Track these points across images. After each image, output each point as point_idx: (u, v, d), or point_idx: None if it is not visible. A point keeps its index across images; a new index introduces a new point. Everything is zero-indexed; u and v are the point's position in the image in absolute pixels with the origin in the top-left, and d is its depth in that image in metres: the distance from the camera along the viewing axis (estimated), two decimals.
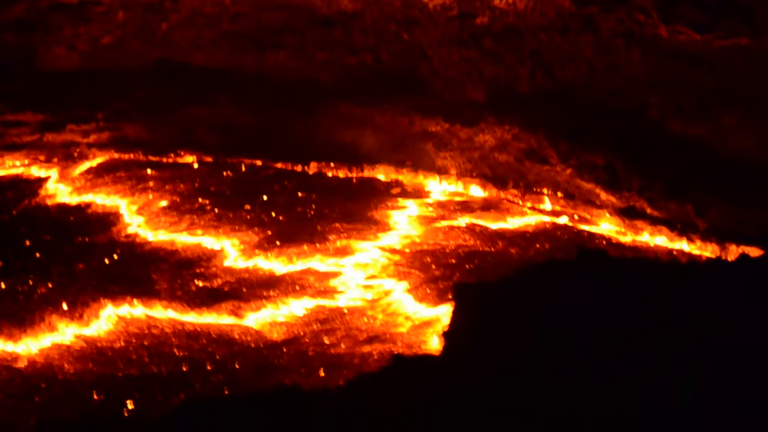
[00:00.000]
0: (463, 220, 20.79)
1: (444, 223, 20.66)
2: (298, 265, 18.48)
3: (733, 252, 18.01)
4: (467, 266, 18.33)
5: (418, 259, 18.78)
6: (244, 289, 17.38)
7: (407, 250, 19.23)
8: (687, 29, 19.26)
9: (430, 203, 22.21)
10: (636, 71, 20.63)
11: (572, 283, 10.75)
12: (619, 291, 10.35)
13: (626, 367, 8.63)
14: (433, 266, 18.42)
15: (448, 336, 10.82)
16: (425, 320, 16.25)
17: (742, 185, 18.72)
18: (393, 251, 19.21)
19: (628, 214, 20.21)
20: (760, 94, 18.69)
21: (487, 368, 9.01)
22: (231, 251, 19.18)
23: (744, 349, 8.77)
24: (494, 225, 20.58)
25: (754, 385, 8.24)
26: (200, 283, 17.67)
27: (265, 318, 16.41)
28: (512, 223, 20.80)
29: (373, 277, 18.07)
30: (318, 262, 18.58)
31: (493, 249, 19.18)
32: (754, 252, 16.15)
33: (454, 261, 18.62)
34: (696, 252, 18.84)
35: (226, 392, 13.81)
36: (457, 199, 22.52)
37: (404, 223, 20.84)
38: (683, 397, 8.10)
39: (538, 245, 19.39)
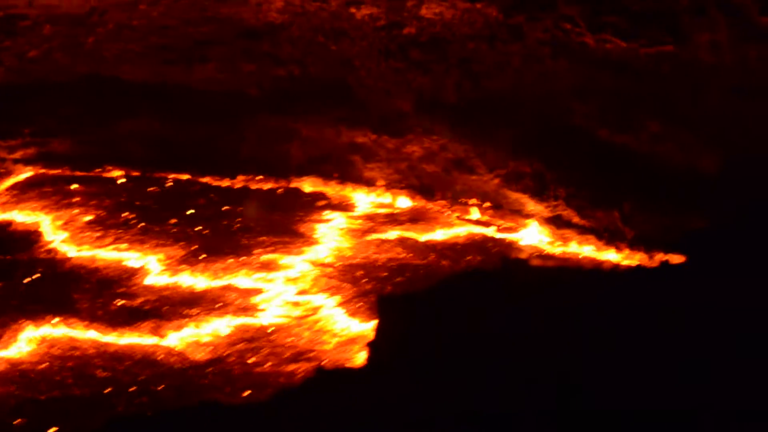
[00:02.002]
0: (393, 233, 20.28)
1: (374, 236, 20.15)
2: (223, 281, 17.91)
3: (658, 259, 17.57)
4: (398, 279, 17.94)
5: (349, 273, 18.31)
6: (166, 307, 16.78)
7: (338, 264, 18.75)
8: (613, 37, 18.85)
9: (358, 215, 21.60)
10: (563, 80, 20.19)
11: (496, 294, 10.60)
12: (546, 300, 10.16)
13: (553, 377, 8.46)
14: (364, 280, 17.97)
15: (372, 348, 10.67)
16: (354, 335, 15.82)
17: (667, 192, 18.46)
18: (323, 265, 18.69)
19: (556, 223, 19.85)
20: (685, 101, 18.39)
21: (411, 380, 8.80)
22: (155, 266, 18.54)
23: (669, 355, 8.76)
24: (424, 237, 20.09)
25: (679, 390, 8.19)
26: (121, 302, 17.03)
27: (189, 337, 15.79)
28: (442, 234, 20.31)
29: (303, 292, 17.51)
30: (243, 277, 18.02)
31: (424, 261, 18.78)
32: (677, 258, 15.57)
33: (385, 274, 18.21)
34: (623, 260, 18.50)
35: (150, 414, 12.96)
36: (385, 211, 21.92)
37: (332, 235, 20.27)
38: (608, 405, 7.96)
39: (469, 257, 19.02)
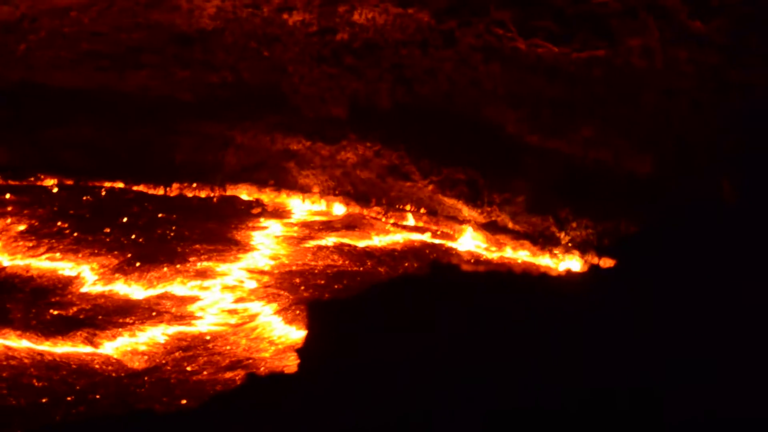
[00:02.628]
0: (330, 240, 20.05)
1: (312, 243, 19.89)
2: (158, 289, 17.48)
3: (591, 263, 17.67)
4: (336, 286, 17.63)
5: (286, 280, 17.96)
6: (101, 317, 16.21)
7: (276, 271, 18.41)
8: (545, 42, 18.75)
9: (294, 222, 21.42)
10: (496, 85, 20.11)
11: (429, 299, 10.24)
12: (479, 305, 9.89)
13: (484, 380, 8.30)
14: (302, 287, 17.62)
15: (301, 355, 10.31)
16: (292, 342, 15.36)
17: (601, 197, 18.39)
18: (261, 272, 18.34)
19: (490, 229, 19.74)
20: (617, 106, 18.37)
21: (341, 384, 8.71)
22: (89, 275, 18.00)
23: (598, 357, 8.63)
24: (362, 243, 19.87)
25: (606, 392, 8.06)
26: (56, 312, 16.41)
27: (125, 346, 15.28)
28: (379, 240, 20.11)
29: (240, 299, 17.13)
30: (179, 285, 17.62)
31: (361, 269, 18.52)
32: (609, 263, 15.48)
33: (323, 281, 17.89)
34: (558, 265, 18.49)
35: (87, 423, 12.32)
36: (321, 218, 21.78)
37: (268, 243, 19.98)
38: (539, 409, 7.82)
39: (407, 263, 18.82)
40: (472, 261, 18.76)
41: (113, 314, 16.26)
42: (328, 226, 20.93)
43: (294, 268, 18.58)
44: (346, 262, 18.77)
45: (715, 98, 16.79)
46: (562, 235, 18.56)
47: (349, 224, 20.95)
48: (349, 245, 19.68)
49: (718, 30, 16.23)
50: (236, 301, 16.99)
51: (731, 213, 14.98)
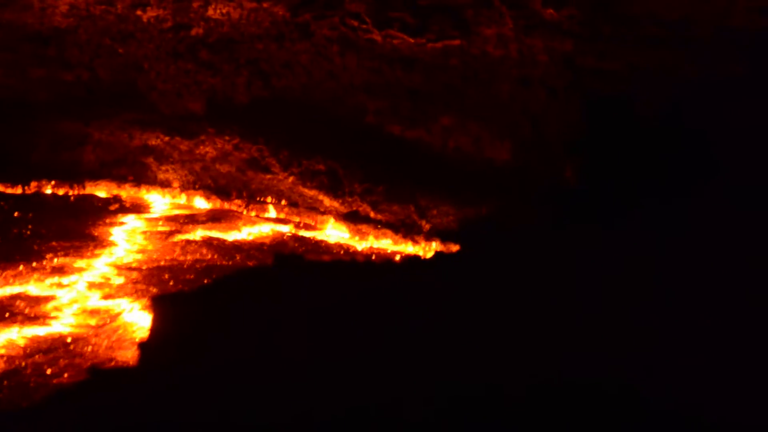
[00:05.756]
0: (198, 233, 18.93)
1: (180, 238, 18.76)
2: (15, 287, 15.90)
3: (453, 250, 17.02)
4: (206, 281, 16.36)
5: (155, 276, 16.73)
6: None
7: (144, 267, 17.20)
8: (400, 33, 18.04)
9: (157, 218, 20.19)
10: (352, 77, 19.44)
11: (288, 290, 10.09)
12: (339, 294, 9.68)
13: (331, 377, 7.92)
14: (171, 282, 16.38)
15: (144, 347, 9.85)
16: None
17: (461, 184, 17.86)
18: (129, 269, 17.04)
19: (352, 219, 18.95)
20: (475, 94, 17.91)
21: (183, 378, 8.23)
22: None
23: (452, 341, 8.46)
24: (230, 237, 18.81)
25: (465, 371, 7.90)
26: None
27: None
28: (248, 234, 19.07)
29: (106, 296, 15.70)
30: (35, 284, 16.09)
31: (230, 263, 17.44)
32: (470, 248, 14.99)
33: (192, 276, 16.67)
34: (420, 252, 17.79)
35: None
36: (183, 212, 20.62)
37: (131, 238, 18.74)
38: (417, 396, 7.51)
39: (274, 256, 17.37)
40: (342, 252, 17.90)
41: None
42: (193, 220, 19.92)
43: (163, 263, 17.46)
44: (215, 257, 17.74)
45: (570, 86, 16.40)
46: (423, 222, 17.92)
47: (215, 217, 19.98)
48: (218, 239, 18.71)
49: (571, 18, 15.96)
50: (101, 299, 15.69)
51: (574, 195, 15.08)
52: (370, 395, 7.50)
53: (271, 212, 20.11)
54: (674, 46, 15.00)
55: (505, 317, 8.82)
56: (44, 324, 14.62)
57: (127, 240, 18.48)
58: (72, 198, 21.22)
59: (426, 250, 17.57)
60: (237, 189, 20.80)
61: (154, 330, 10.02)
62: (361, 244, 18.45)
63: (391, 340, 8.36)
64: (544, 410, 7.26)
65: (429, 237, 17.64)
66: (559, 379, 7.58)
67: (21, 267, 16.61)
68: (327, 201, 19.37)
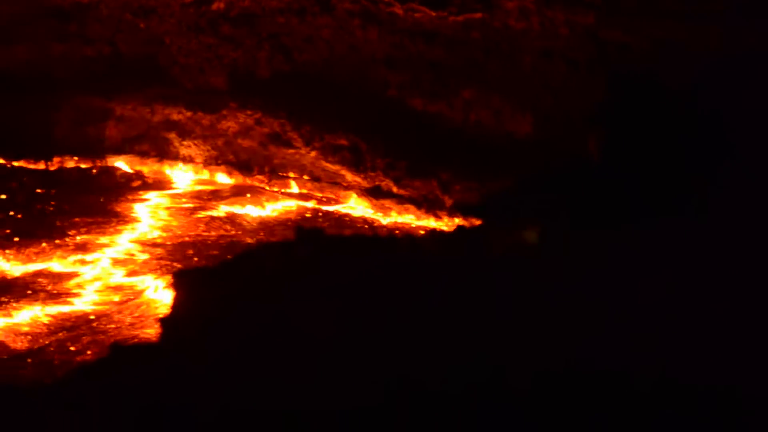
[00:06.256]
0: (223, 209, 19.01)
1: (204, 214, 18.80)
2: (37, 265, 16.10)
3: (475, 224, 16.94)
4: (229, 257, 16.20)
5: (179, 252, 16.89)
6: None
7: (168, 243, 17.30)
8: (421, 6, 18.19)
9: (180, 193, 20.25)
10: (374, 51, 19.44)
11: (311, 266, 9.89)
12: (363, 272, 9.53)
13: (374, 356, 7.87)
14: (195, 258, 16.57)
15: (167, 324, 9.77)
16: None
17: (483, 158, 17.87)
18: (154, 245, 17.18)
19: (374, 194, 19.00)
20: (496, 68, 17.93)
21: (206, 355, 8.24)
22: None
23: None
24: (255, 213, 18.93)
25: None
26: None
27: (8, 326, 13.96)
28: (272, 210, 19.18)
29: (133, 273, 15.88)
30: (58, 261, 16.27)
31: (254, 239, 17.54)
32: (492, 223, 15.08)
33: (216, 252, 16.79)
34: (443, 227, 17.82)
35: None
36: (206, 187, 20.66)
37: (152, 214, 18.78)
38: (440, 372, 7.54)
39: (297, 230, 17.49)
40: (365, 227, 18.08)
41: None
42: (216, 195, 19.95)
43: (187, 239, 17.57)
44: (239, 233, 17.86)
45: (592, 59, 16.33)
46: (446, 197, 17.97)
47: (236, 192, 20.04)
48: (242, 215, 18.81)
49: None
50: (127, 275, 15.83)
51: (596, 170, 14.82)
52: (393, 369, 7.50)
53: (294, 187, 20.13)
54: (699, 21, 15.03)
55: (529, 294, 8.72)
56: (67, 301, 14.82)
57: (150, 216, 18.54)
58: (94, 173, 21.28)
59: (449, 224, 17.62)
60: (259, 164, 20.78)
61: (177, 307, 10.03)
62: (384, 219, 18.48)
63: (415, 316, 8.33)
64: (561, 394, 7.25)
65: (452, 212, 17.72)
66: (579, 364, 7.54)
67: (44, 244, 16.74)
68: (349, 176, 19.39)
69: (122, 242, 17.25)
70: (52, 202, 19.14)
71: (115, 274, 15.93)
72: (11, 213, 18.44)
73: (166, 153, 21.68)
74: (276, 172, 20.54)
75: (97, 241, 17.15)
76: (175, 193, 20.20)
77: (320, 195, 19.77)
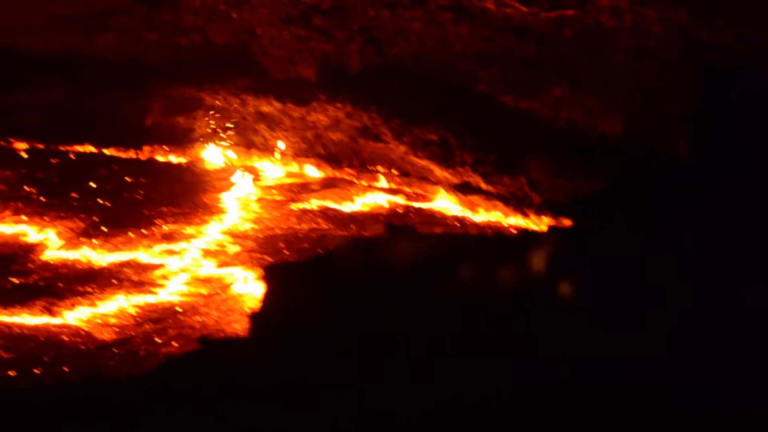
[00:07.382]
0: (314, 203, 19.35)
1: (296, 207, 19.19)
2: (123, 254, 16.68)
3: (564, 224, 17.18)
4: (319, 251, 16.81)
5: (270, 245, 17.29)
6: (61, 284, 15.53)
7: (260, 236, 17.73)
8: (514, 2, 18.20)
9: (270, 185, 20.57)
10: (465, 45, 19.45)
11: (402, 262, 10.42)
12: (451, 268, 9.92)
13: (455, 346, 8.29)
14: (286, 251, 16.91)
15: (255, 319, 10.48)
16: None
17: (573, 157, 17.89)
18: (245, 237, 17.65)
19: (462, 190, 19.02)
20: (587, 65, 17.93)
21: (295, 351, 8.58)
22: (54, 241, 17.28)
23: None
24: (346, 208, 19.23)
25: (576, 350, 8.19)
26: (16, 280, 15.71)
27: (95, 317, 14.53)
28: (362, 204, 19.45)
29: (223, 265, 16.32)
30: (144, 251, 16.78)
31: (346, 233, 17.87)
32: (582, 223, 15.23)
33: (307, 245, 17.18)
34: (531, 226, 17.79)
35: (55, 396, 11.82)
36: (296, 180, 20.94)
37: (241, 206, 19.20)
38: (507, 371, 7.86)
39: (387, 226, 17.93)
40: (456, 224, 18.22)
41: (74, 282, 15.62)
42: (306, 188, 20.26)
43: (278, 231, 17.97)
44: (331, 226, 18.18)
45: (684, 58, 16.38)
46: (535, 195, 18.00)
47: (326, 185, 20.35)
48: (334, 209, 19.08)
49: None
50: (218, 267, 16.24)
51: (688, 171, 15.03)
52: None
53: (382, 182, 20.28)
54: None
55: (629, 301, 8.96)
56: (154, 293, 15.31)
57: (241, 208, 18.87)
58: (183, 163, 21.71)
59: (538, 223, 17.58)
60: (348, 157, 20.95)
61: (266, 301, 10.28)
62: (474, 217, 18.54)
63: (517, 320, 8.57)
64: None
65: (540, 211, 17.69)
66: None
67: (130, 233, 17.25)
68: (438, 171, 19.45)
69: (212, 233, 17.63)
70: (141, 191, 19.59)
71: (205, 266, 16.38)
72: (99, 201, 18.99)
73: (255, 144, 21.99)
74: (365, 166, 20.72)
75: (184, 231, 17.56)
76: (265, 185, 20.48)
77: (409, 190, 19.87)
